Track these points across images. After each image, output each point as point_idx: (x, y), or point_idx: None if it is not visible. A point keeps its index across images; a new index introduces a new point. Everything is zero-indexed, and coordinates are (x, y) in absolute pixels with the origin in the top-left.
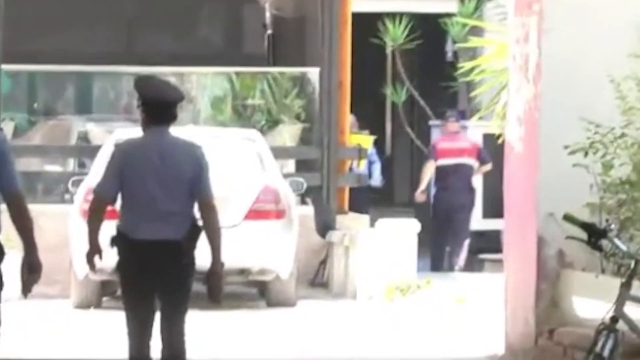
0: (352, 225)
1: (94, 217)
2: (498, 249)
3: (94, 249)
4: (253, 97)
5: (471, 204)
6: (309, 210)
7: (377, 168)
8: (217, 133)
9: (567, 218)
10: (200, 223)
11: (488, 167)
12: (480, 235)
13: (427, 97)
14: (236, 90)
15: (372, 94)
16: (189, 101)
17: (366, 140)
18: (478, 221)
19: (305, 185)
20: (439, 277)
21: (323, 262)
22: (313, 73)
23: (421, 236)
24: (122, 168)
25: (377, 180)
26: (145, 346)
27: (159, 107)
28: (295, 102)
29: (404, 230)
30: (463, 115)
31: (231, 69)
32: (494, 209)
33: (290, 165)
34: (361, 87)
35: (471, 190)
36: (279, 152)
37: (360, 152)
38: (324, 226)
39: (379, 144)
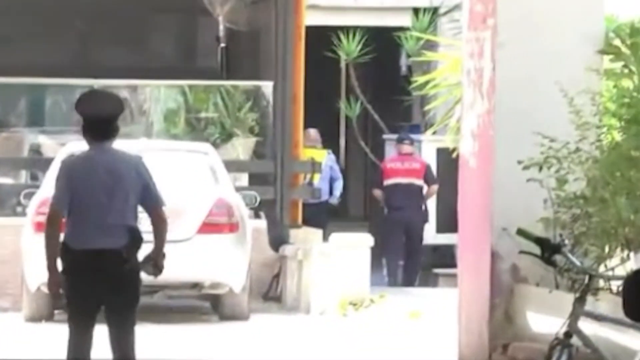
0: (306, 239)
1: (51, 229)
2: (452, 264)
3: (54, 278)
4: (206, 110)
5: (423, 221)
6: (262, 224)
7: (338, 187)
8: (170, 146)
9: (521, 233)
10: (141, 231)
11: (434, 188)
12: (434, 249)
13: (381, 110)
14: (189, 103)
15: (326, 108)
16: (142, 114)
17: (320, 154)
18: (432, 236)
19: (258, 199)
20: (393, 292)
21: (276, 276)
22: (267, 86)
23: (375, 250)
24: (70, 182)
25: (334, 198)
26: (84, 357)
27: (96, 122)
28: (249, 115)
29: (357, 245)
30: (417, 129)
31: (184, 82)
32: (448, 223)
33: (244, 178)
34: (315, 101)
35: (422, 208)
36: (232, 166)
37: (314, 166)
38: (277, 240)
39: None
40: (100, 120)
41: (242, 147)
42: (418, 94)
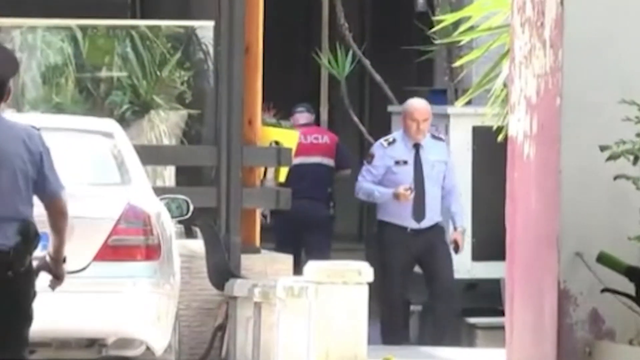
0: (267, 270)
1: None
2: (496, 310)
3: None
4: (109, 66)
5: (328, 220)
6: (199, 246)
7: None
8: (52, 123)
9: (605, 260)
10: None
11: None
12: (468, 287)
13: (386, 68)
14: (82, 55)
15: (299, 64)
16: None
17: (290, 136)
18: (465, 266)
19: (191, 207)
20: (406, 354)
21: (220, 329)
22: (204, 29)
23: (376, 288)
24: None
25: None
26: None
27: None
28: (176, 75)
29: (348, 280)
30: (441, 97)
31: (74, 22)
32: (490, 247)
33: (169, 175)
34: (281, 53)
35: (328, 201)
36: (151, 155)
37: (280, 155)
38: (221, 271)
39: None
40: None
41: (165, 124)
42: (443, 42)
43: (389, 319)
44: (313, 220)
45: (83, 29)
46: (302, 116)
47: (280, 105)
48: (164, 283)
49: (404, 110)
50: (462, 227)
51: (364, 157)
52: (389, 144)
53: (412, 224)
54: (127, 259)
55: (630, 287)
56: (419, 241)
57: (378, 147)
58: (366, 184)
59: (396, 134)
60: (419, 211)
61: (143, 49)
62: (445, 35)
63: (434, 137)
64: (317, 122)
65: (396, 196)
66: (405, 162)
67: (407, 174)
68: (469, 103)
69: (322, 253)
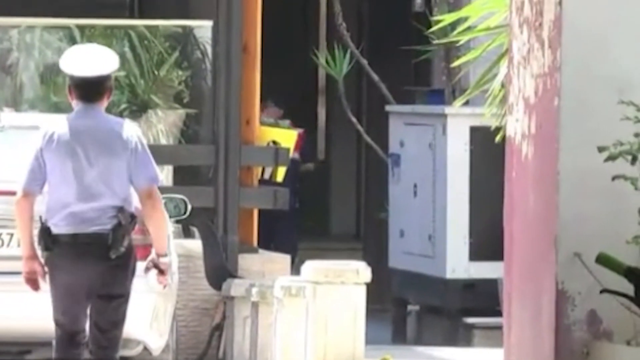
0: (265, 270)
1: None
2: (493, 310)
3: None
4: None
5: (295, 213)
6: (196, 245)
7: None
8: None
9: (604, 261)
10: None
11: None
12: (465, 287)
13: (384, 68)
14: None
15: (297, 64)
16: (6, 71)
17: (288, 136)
18: (462, 266)
19: (189, 207)
20: (404, 354)
21: (217, 329)
22: (203, 29)
23: (374, 288)
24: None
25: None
26: None
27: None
28: (174, 74)
29: (345, 280)
30: (439, 97)
31: (73, 21)
32: (487, 246)
33: (166, 174)
34: (279, 53)
35: (295, 194)
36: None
37: (278, 155)
38: (219, 272)
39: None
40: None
41: (163, 123)
42: (441, 42)
43: None
44: (281, 213)
45: (81, 28)
46: (271, 111)
47: (277, 105)
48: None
49: None
50: None
51: (361, 157)
52: None
53: None
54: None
55: (628, 288)
56: None
57: None
58: None
59: None
60: None
61: (141, 49)
62: (443, 35)
63: None
64: (314, 121)
65: None
66: None
67: None
68: (466, 103)
69: (292, 245)
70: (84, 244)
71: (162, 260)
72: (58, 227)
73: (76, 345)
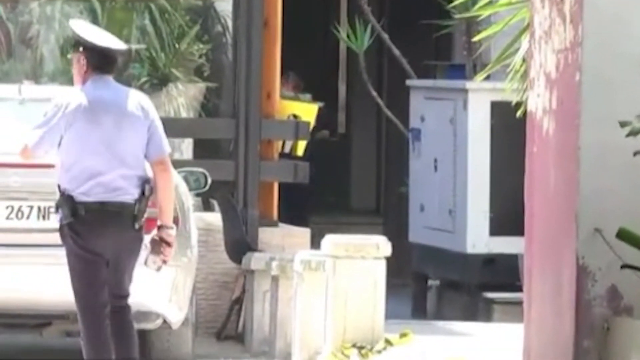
0: (285, 244)
1: None
2: (514, 285)
3: None
4: (128, 38)
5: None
6: (216, 219)
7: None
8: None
9: (625, 236)
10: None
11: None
12: (485, 262)
13: (405, 43)
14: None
15: (318, 38)
16: (26, 44)
17: (309, 110)
18: (483, 240)
19: (209, 180)
20: (423, 328)
21: (237, 302)
22: (223, 2)
23: (394, 263)
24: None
25: None
26: None
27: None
28: (195, 48)
29: (365, 253)
30: (459, 72)
31: None
32: (507, 222)
33: (187, 147)
34: (300, 28)
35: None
36: (169, 127)
37: (298, 128)
38: (239, 245)
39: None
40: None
41: (183, 97)
42: (462, 16)
43: None
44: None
45: (102, 1)
46: (291, 80)
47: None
48: (181, 256)
49: None
50: None
51: (382, 131)
52: None
53: None
54: (145, 231)
55: None
56: None
57: None
58: None
59: None
60: None
61: (162, 22)
62: (464, 10)
63: None
64: (335, 95)
65: None
66: None
67: None
68: (487, 78)
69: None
70: (112, 212)
71: (170, 232)
72: (86, 196)
73: (104, 317)
